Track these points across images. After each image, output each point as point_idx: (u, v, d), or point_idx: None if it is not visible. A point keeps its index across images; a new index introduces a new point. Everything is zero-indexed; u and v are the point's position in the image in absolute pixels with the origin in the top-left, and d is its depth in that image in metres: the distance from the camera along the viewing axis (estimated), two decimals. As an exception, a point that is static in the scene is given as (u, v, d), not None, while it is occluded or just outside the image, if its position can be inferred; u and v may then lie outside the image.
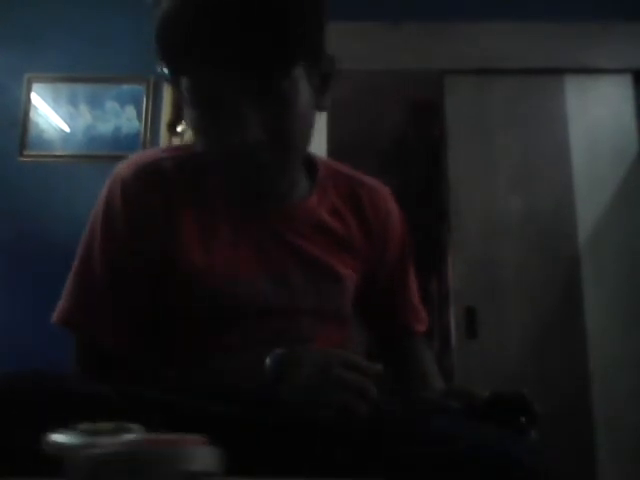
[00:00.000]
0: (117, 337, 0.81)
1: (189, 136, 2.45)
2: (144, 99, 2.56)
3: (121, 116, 2.55)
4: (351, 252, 0.91)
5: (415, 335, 1.00)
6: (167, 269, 0.81)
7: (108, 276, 0.81)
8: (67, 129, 2.56)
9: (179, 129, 2.47)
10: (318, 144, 2.46)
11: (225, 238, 0.83)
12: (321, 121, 2.32)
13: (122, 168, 0.85)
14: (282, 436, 0.66)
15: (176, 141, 2.46)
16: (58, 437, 0.40)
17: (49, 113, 2.58)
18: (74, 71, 2.61)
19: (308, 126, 0.80)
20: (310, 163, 0.92)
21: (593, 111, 2.63)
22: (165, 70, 0.75)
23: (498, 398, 0.72)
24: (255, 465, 0.64)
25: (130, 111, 2.56)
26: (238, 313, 0.82)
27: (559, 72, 2.65)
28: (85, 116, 2.57)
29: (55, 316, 0.83)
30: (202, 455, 0.40)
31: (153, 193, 0.82)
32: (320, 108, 0.82)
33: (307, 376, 0.67)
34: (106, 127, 2.54)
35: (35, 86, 2.59)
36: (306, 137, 0.81)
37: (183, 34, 0.70)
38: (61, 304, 0.83)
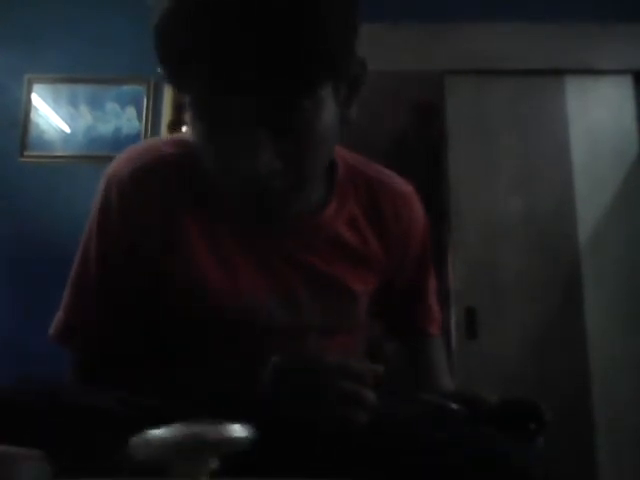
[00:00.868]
0: (115, 346, 0.79)
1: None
2: (144, 100, 2.56)
3: (121, 117, 2.55)
4: (368, 266, 0.86)
5: (429, 337, 0.97)
6: (166, 280, 0.78)
7: (104, 281, 0.78)
8: (67, 130, 2.56)
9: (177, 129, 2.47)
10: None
11: (228, 249, 0.78)
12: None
13: (119, 167, 0.79)
14: (280, 440, 0.65)
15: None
16: (154, 434, 0.38)
17: (49, 114, 2.58)
18: (74, 72, 2.61)
19: (330, 148, 0.72)
20: (332, 165, 0.83)
21: (593, 112, 2.63)
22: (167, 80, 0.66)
23: (508, 404, 0.72)
24: (255, 469, 0.64)
25: (130, 112, 2.56)
26: (239, 328, 0.79)
27: (559, 73, 2.65)
28: (85, 117, 2.57)
29: (52, 330, 0.80)
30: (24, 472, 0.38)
31: (151, 197, 0.77)
32: (346, 122, 0.71)
33: (306, 387, 0.65)
34: (106, 128, 2.54)
35: (35, 87, 2.59)
36: (327, 158, 0.73)
37: (183, 46, 0.59)
38: (58, 317, 0.81)
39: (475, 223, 2.54)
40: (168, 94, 2.52)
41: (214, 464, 0.38)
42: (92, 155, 2.50)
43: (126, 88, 2.59)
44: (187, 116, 0.67)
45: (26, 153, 2.54)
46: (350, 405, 0.63)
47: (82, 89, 2.60)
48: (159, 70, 0.64)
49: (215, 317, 0.78)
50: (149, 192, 0.77)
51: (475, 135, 2.62)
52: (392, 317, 0.98)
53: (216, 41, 0.57)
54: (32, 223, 2.46)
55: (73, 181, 2.47)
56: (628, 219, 2.54)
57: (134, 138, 2.51)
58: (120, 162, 0.80)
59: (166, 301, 0.79)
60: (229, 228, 0.79)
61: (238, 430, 0.38)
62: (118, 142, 2.50)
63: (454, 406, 0.72)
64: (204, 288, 0.77)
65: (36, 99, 2.59)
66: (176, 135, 0.84)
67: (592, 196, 2.56)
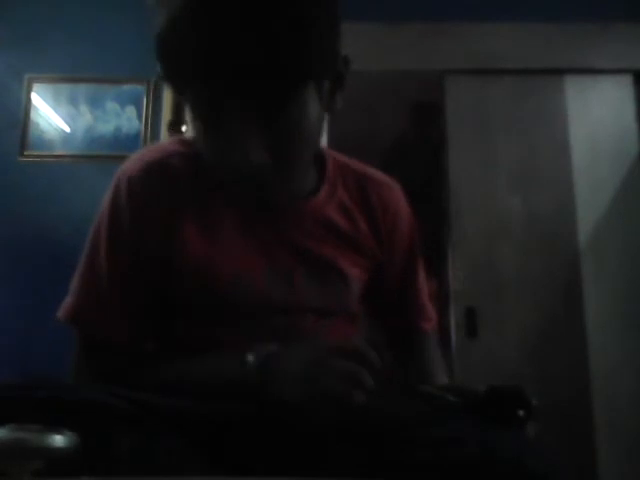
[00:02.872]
0: (122, 332, 0.82)
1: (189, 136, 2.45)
2: (144, 99, 2.56)
3: (121, 116, 2.55)
4: (359, 250, 0.90)
5: (422, 333, 0.99)
6: (169, 266, 0.82)
7: (113, 272, 0.82)
8: (67, 129, 2.56)
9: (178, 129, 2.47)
10: (318, 144, 2.46)
11: (228, 236, 0.83)
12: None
13: (129, 165, 0.85)
14: (281, 435, 0.66)
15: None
16: None
17: (50, 113, 2.58)
18: (75, 71, 2.60)
19: (314, 140, 0.79)
20: (319, 157, 0.90)
21: (593, 112, 2.63)
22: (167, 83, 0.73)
23: (495, 392, 0.73)
24: (257, 465, 0.64)
25: (130, 111, 2.56)
26: (240, 309, 0.82)
27: (559, 72, 2.65)
28: (85, 116, 2.57)
29: (61, 313, 0.83)
30: None
31: (158, 190, 0.82)
32: (331, 111, 0.79)
33: (300, 369, 0.66)
34: (106, 127, 2.54)
35: (36, 86, 2.59)
36: (312, 149, 0.80)
37: (183, 54, 0.67)
38: (67, 301, 0.84)
39: (475, 223, 2.55)
40: (168, 94, 2.52)
41: (36, 466, 0.41)
42: (92, 154, 2.50)
43: (126, 88, 2.59)
44: (188, 116, 0.74)
45: (26, 153, 2.54)
46: (349, 384, 0.64)
47: (82, 89, 2.59)
48: (160, 75, 0.71)
49: (216, 299, 0.82)
50: (156, 185, 0.83)
51: (475, 135, 2.63)
52: (385, 315, 1.00)
53: (213, 53, 0.65)
54: (32, 223, 2.46)
55: (73, 181, 2.47)
56: (628, 218, 2.55)
57: (134, 137, 2.51)
58: (130, 161, 0.86)
59: (170, 285, 0.83)
60: (230, 213, 0.84)
61: (59, 440, 0.41)
62: (118, 141, 2.50)
63: (451, 398, 0.72)
64: (206, 271, 0.81)
65: (36, 99, 2.59)
66: (180, 136, 0.88)
67: (592, 196, 2.56)
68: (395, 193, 0.96)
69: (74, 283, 0.84)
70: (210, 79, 0.67)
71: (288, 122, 0.71)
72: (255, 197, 0.83)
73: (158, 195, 0.82)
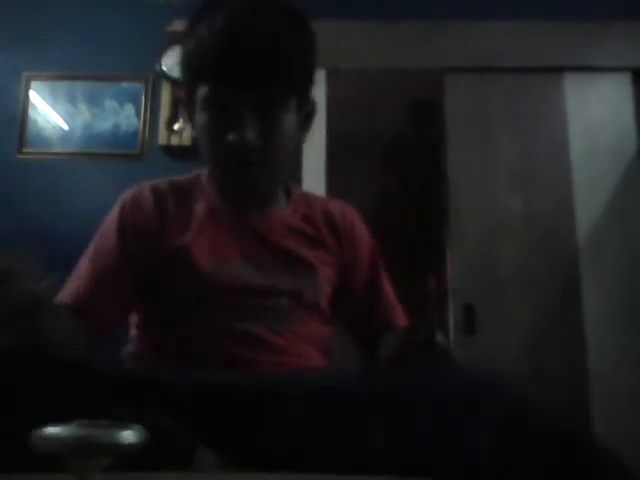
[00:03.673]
0: (115, 317, 0.97)
1: (187, 134, 2.45)
2: (143, 97, 2.56)
3: (120, 114, 2.55)
4: (323, 249, 1.05)
5: (396, 329, 1.06)
6: (154, 257, 0.96)
7: (104, 267, 0.97)
8: (66, 127, 2.56)
9: (176, 127, 2.47)
10: (318, 143, 2.47)
11: (208, 231, 0.99)
12: (321, 120, 2.33)
13: (127, 191, 1.04)
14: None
15: (174, 139, 2.46)
16: (51, 430, 0.39)
17: (48, 111, 2.58)
18: (73, 69, 2.60)
19: (289, 146, 0.99)
20: (287, 190, 1.12)
21: (593, 110, 2.63)
22: (186, 78, 0.97)
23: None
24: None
25: (129, 109, 2.56)
26: (220, 290, 0.94)
27: (559, 70, 2.65)
28: (84, 114, 2.56)
29: (66, 295, 0.95)
30: None
31: (146, 202, 1.01)
32: (300, 140, 1.04)
33: None
34: (105, 125, 2.54)
35: (34, 84, 2.59)
36: (287, 153, 1.00)
37: (214, 60, 0.91)
38: (68, 288, 0.96)
39: (474, 220, 2.55)
40: (166, 91, 2.52)
41: (106, 462, 0.40)
42: (90, 152, 2.50)
43: (124, 85, 2.59)
44: (196, 110, 0.96)
45: (24, 150, 2.54)
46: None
47: (81, 87, 2.59)
48: (186, 71, 0.96)
49: (198, 282, 0.94)
50: (143, 201, 1.01)
51: (474, 133, 2.62)
52: (356, 316, 1.11)
53: (236, 65, 0.91)
54: (30, 220, 2.46)
55: (71, 178, 2.46)
56: (626, 216, 2.55)
57: (132, 135, 2.51)
58: (130, 189, 1.05)
59: (158, 272, 0.97)
60: (209, 217, 1.01)
61: (128, 436, 0.40)
62: (116, 139, 2.49)
63: None
64: (188, 259, 0.95)
65: (35, 97, 2.58)
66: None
67: (591, 194, 2.56)
68: (353, 214, 1.15)
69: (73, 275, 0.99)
70: (230, 82, 0.91)
71: (276, 119, 0.94)
72: (236, 191, 1.01)
73: (144, 204, 1.01)
